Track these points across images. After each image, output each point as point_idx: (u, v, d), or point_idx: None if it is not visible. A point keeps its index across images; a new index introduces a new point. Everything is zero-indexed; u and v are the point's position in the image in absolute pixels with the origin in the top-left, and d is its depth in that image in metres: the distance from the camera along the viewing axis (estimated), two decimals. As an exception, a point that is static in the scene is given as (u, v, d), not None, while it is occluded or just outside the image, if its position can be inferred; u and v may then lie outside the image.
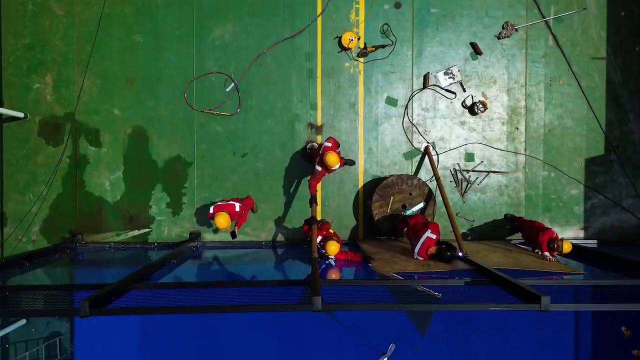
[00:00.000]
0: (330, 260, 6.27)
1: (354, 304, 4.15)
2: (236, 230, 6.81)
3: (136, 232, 7.71)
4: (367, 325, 7.83)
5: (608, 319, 7.93)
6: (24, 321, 7.65)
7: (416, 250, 6.02)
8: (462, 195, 7.93)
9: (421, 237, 6.00)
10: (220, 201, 6.84)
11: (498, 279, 4.78)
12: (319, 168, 6.53)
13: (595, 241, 7.91)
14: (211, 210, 6.37)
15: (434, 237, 5.98)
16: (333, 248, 5.91)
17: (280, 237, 7.88)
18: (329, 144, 6.62)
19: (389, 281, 5.07)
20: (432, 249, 5.97)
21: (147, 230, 7.78)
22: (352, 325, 7.79)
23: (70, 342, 7.74)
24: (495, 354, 7.90)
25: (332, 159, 6.25)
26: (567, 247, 6.29)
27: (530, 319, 7.62)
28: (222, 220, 6.18)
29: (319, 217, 7.35)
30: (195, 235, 7.72)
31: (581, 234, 8.01)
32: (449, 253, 5.78)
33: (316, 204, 6.71)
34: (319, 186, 7.65)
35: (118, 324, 7.52)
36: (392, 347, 7.81)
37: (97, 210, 7.79)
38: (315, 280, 4.41)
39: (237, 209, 6.47)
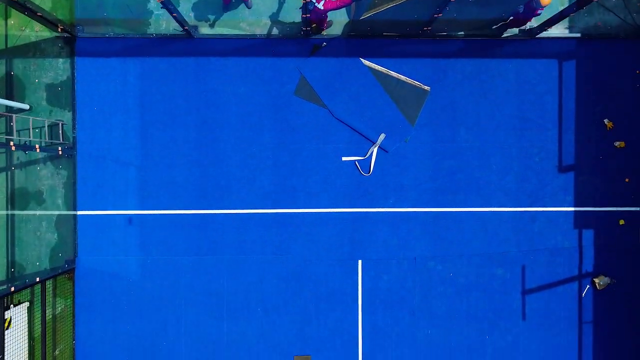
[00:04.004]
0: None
1: None
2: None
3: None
4: (358, 117, 8.10)
5: (591, 112, 8.21)
6: (27, 106, 7.95)
7: None
8: (451, -6, 8.17)
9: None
10: None
11: None
12: None
13: (579, 34, 8.20)
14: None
15: None
16: None
17: (275, 31, 8.15)
18: None
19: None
20: None
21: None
22: (343, 115, 8.07)
23: (72, 129, 8.03)
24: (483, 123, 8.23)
25: None
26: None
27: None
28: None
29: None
30: (192, 28, 7.98)
31: (566, 32, 8.27)
32: None
33: None
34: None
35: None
36: (382, 136, 8.09)
37: (97, 4, 8.05)
38: None
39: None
